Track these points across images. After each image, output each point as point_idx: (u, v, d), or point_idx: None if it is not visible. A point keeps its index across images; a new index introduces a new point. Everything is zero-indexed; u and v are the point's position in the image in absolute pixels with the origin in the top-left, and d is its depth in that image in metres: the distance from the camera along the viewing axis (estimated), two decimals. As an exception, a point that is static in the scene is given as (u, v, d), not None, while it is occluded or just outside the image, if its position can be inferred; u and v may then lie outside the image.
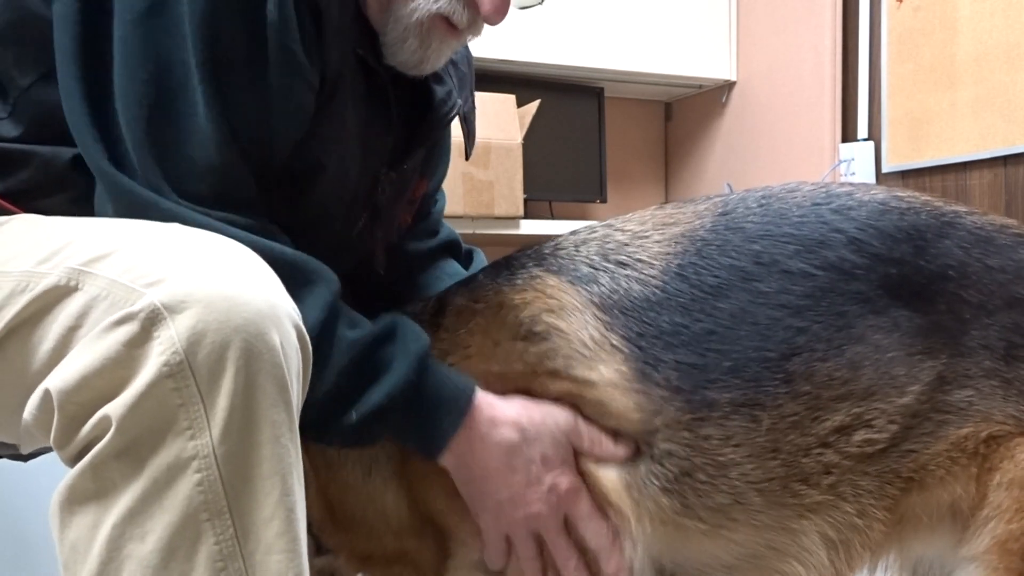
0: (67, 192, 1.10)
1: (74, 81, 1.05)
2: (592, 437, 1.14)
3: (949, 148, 2.84)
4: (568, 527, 1.15)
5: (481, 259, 1.57)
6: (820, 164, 3.16)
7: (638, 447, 1.13)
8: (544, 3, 1.21)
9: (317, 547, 1.24)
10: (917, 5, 2.92)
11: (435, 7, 1.16)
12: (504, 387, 1.16)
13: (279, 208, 1.14)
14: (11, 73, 1.12)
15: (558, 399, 1.15)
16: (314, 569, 1.22)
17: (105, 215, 1.05)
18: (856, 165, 3.07)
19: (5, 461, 1.36)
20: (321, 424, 1.05)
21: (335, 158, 1.18)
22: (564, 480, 1.14)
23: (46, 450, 1.21)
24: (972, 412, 1.12)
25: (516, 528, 1.15)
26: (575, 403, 1.14)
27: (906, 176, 2.97)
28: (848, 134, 3.17)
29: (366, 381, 1.07)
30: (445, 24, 1.18)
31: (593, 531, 1.14)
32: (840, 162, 3.11)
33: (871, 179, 3.03)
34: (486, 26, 1.22)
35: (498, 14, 1.18)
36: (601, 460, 1.14)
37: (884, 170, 3.02)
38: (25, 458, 1.32)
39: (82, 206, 1.08)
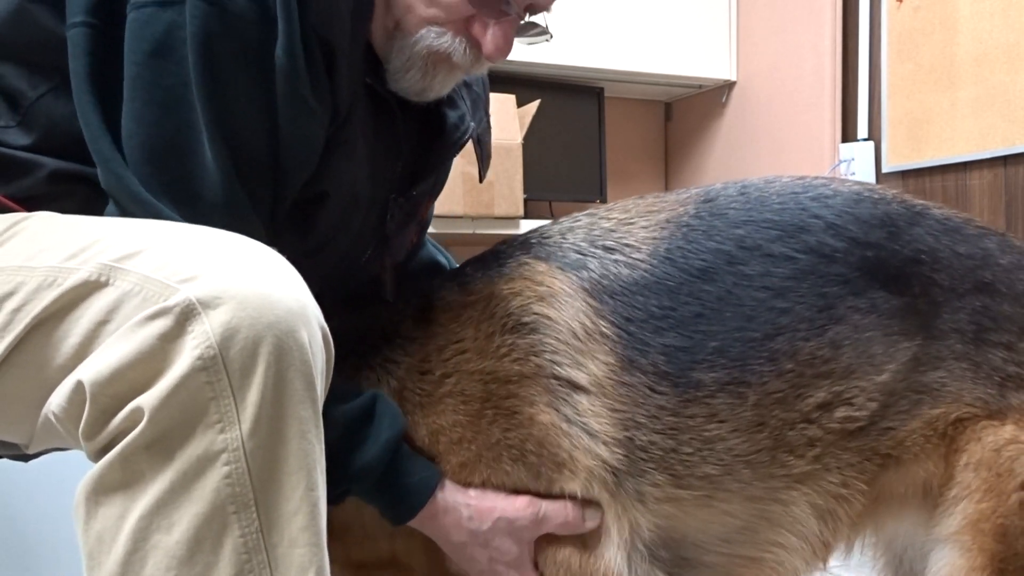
0: (66, 202, 1.10)
1: (92, 112, 1.05)
2: (553, 518, 1.16)
3: (949, 148, 2.85)
4: None
5: None
6: (820, 164, 3.17)
7: (623, 439, 1.14)
8: (551, 39, 1.21)
9: None
10: (917, 5, 2.93)
11: (436, 44, 1.16)
12: (498, 389, 1.16)
13: (285, 238, 1.14)
14: (21, 86, 1.12)
15: (533, 421, 1.15)
16: None
17: None
18: (856, 165, 3.08)
19: (5, 461, 1.35)
20: None
21: (344, 187, 1.18)
22: None
23: (48, 450, 1.20)
24: (944, 393, 1.16)
25: None
26: (556, 406, 1.15)
27: (906, 176, 2.98)
28: (848, 134, 3.18)
29: (340, 454, 1.09)
30: (447, 61, 1.18)
31: None
32: (840, 162, 3.12)
33: (871, 179, 3.04)
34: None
35: (500, 53, 1.18)
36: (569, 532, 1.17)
37: (884, 170, 3.03)
38: (26, 458, 1.32)
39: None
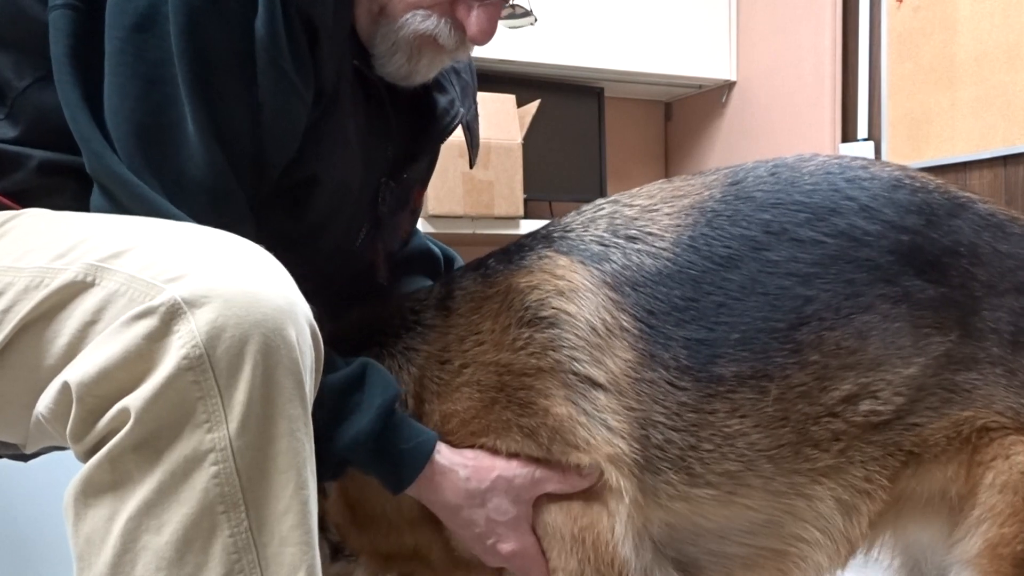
0: (58, 197, 1.10)
1: (72, 90, 1.05)
2: (550, 478, 1.15)
3: (949, 148, 2.85)
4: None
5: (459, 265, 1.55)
6: (820, 164, 3.17)
7: (639, 436, 1.13)
8: (536, 23, 1.21)
9: (333, 552, 1.24)
10: (917, 5, 2.93)
11: (422, 27, 1.17)
12: (512, 381, 1.16)
13: (280, 220, 1.14)
14: (8, 76, 1.12)
15: (547, 413, 1.14)
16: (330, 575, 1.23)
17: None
18: (856, 165, 3.08)
19: (5, 461, 1.35)
20: None
21: (335, 169, 1.18)
22: (507, 544, 1.17)
23: (47, 450, 1.20)
24: (975, 396, 1.12)
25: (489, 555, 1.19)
26: (574, 400, 1.14)
27: (906, 176, 2.98)
28: (848, 134, 3.18)
29: (333, 424, 1.09)
30: (433, 43, 1.19)
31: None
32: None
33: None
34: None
35: (485, 35, 1.18)
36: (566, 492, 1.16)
37: (884, 170, 3.03)
38: (26, 458, 1.32)
39: (73, 210, 1.08)
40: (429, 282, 1.49)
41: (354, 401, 1.11)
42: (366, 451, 1.11)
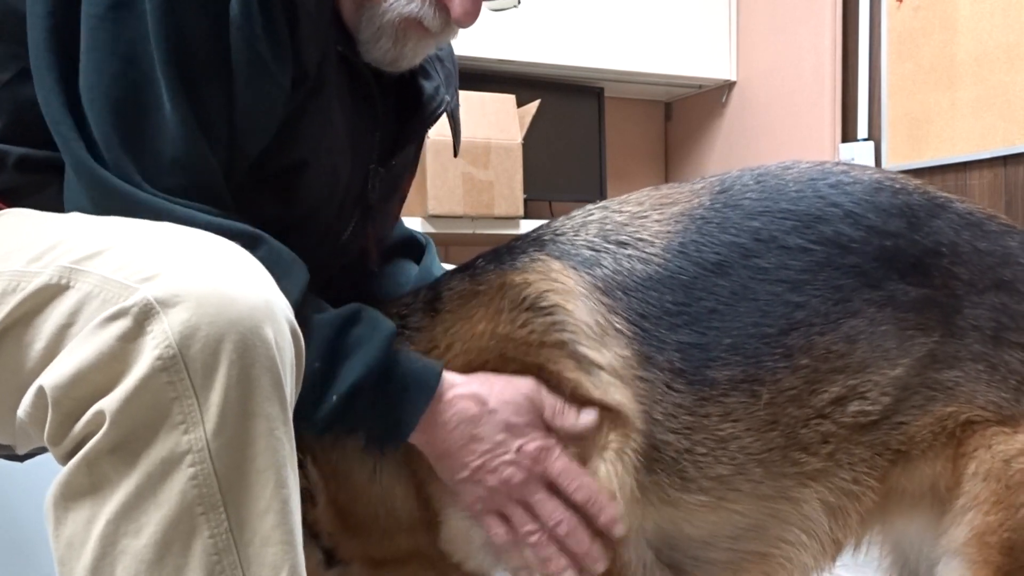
0: (44, 193, 1.10)
1: (48, 73, 1.04)
2: (555, 407, 1.14)
3: (949, 148, 2.84)
4: (552, 488, 1.14)
5: (432, 252, 1.54)
6: (820, 164, 3.17)
7: (636, 435, 1.13)
8: (520, 5, 1.20)
9: (328, 560, 1.23)
10: (917, 5, 2.92)
11: (406, 10, 1.16)
12: (507, 350, 1.15)
13: (270, 207, 1.14)
14: None
15: (560, 376, 1.14)
16: None
17: (78, 208, 1.05)
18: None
19: (1, 461, 1.35)
20: (301, 408, 1.02)
21: (322, 155, 1.17)
22: (532, 443, 1.13)
23: (42, 450, 1.20)
24: (958, 392, 1.14)
25: (498, 498, 1.14)
26: (576, 382, 1.13)
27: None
28: (848, 134, 3.17)
29: (340, 360, 1.07)
30: (418, 26, 1.18)
31: (574, 486, 1.13)
32: (840, 162, 3.11)
33: (871, 179, 3.04)
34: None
35: (469, 17, 1.17)
36: (564, 431, 1.14)
37: (884, 170, 3.03)
38: (21, 458, 1.32)
39: (55, 209, 1.07)
40: (414, 265, 1.50)
41: (355, 334, 1.08)
42: (375, 384, 1.07)
